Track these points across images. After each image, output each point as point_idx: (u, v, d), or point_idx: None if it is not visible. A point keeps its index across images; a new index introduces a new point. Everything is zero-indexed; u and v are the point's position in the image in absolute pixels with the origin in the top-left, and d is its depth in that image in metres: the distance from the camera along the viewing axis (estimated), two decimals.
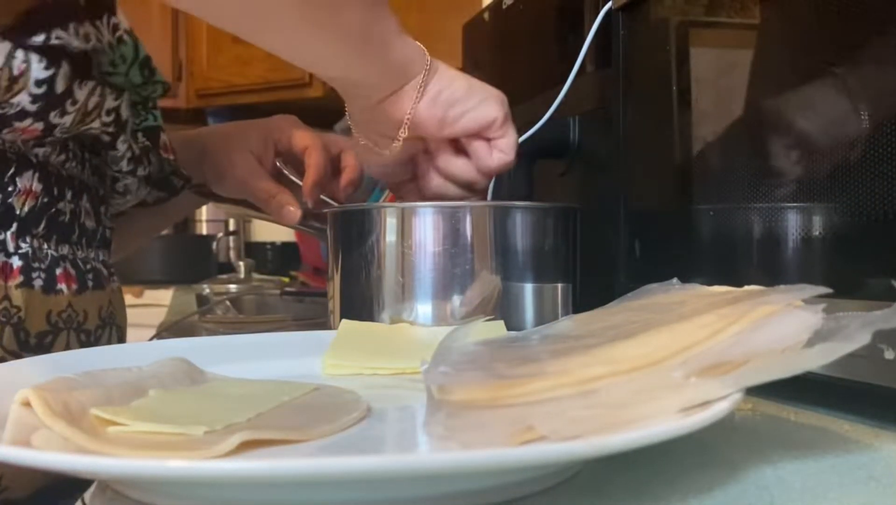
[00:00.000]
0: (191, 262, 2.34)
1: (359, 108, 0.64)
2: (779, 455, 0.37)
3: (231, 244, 2.60)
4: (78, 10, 0.60)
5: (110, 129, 0.65)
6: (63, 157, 0.64)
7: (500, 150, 0.65)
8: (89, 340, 0.67)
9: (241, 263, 2.08)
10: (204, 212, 2.81)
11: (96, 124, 0.63)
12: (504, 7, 0.95)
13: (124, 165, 0.69)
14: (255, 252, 2.57)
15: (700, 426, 0.31)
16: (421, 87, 0.60)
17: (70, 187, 0.65)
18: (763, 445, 0.40)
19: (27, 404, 0.35)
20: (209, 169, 0.81)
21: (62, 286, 0.64)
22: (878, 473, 0.35)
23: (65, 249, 0.65)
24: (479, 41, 1.02)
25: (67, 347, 0.62)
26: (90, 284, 0.67)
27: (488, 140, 0.65)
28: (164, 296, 1.82)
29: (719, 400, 0.33)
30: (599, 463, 0.35)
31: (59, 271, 0.63)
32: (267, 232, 2.61)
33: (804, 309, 0.36)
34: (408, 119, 0.61)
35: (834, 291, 0.38)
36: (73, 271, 0.65)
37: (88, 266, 0.67)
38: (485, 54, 1.02)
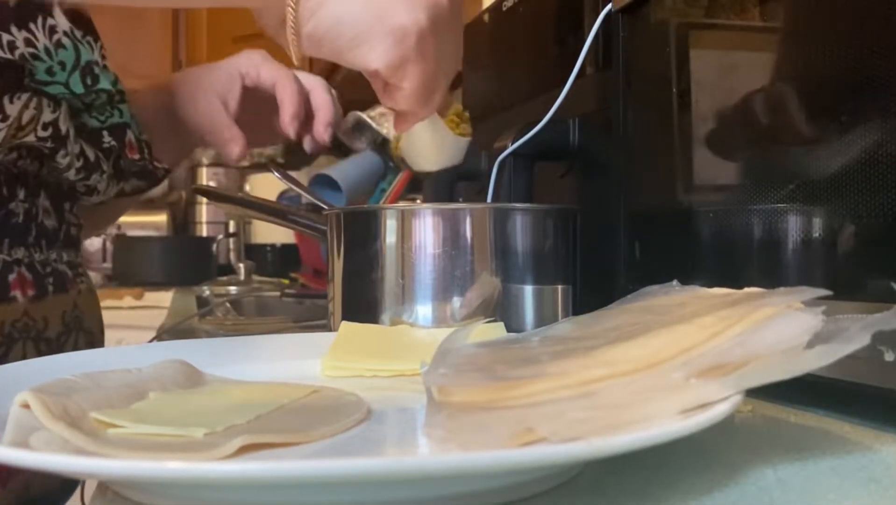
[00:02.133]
0: (191, 263, 2.34)
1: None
2: (779, 457, 0.37)
3: (231, 246, 2.59)
4: (6, 14, 0.54)
5: (48, 144, 0.60)
6: (14, 154, 0.59)
7: (394, 100, 0.52)
8: (50, 348, 0.62)
9: (241, 265, 2.07)
10: (204, 214, 2.81)
11: (31, 138, 0.58)
12: (504, 9, 0.95)
13: (72, 175, 0.64)
14: (255, 254, 2.56)
15: (700, 428, 0.31)
16: (290, 18, 0.47)
17: (23, 186, 0.61)
18: (763, 446, 0.40)
19: (26, 406, 0.35)
20: (176, 116, 0.74)
21: (16, 293, 0.60)
22: (878, 475, 0.35)
23: (19, 253, 0.61)
24: (478, 42, 1.02)
25: (24, 358, 0.57)
26: (50, 288, 0.63)
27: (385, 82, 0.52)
28: (164, 298, 1.82)
29: (719, 402, 0.33)
30: (599, 464, 0.35)
31: (12, 277, 0.59)
32: (267, 234, 2.61)
33: (804, 311, 0.36)
34: (293, 46, 0.49)
35: (834, 294, 0.38)
36: (29, 276, 0.61)
37: (48, 269, 0.63)
38: (485, 56, 1.02)
